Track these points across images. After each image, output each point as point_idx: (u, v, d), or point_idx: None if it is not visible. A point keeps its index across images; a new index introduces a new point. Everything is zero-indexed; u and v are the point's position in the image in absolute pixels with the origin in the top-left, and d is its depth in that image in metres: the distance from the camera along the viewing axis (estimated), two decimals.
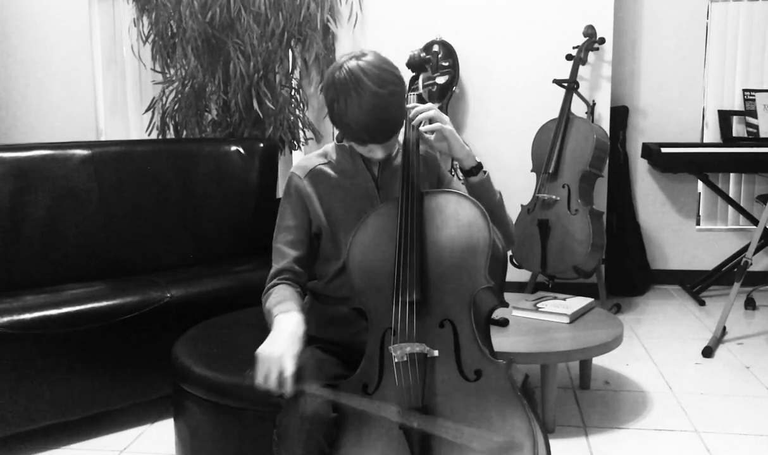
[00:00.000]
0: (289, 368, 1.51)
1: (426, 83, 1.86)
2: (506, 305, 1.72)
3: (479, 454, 1.48)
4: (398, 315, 1.58)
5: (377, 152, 1.72)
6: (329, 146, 1.87)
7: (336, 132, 1.81)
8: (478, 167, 1.77)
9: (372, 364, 1.61)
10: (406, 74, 1.85)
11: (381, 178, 1.82)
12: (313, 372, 1.68)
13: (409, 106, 1.76)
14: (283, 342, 1.56)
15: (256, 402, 1.91)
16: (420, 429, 1.49)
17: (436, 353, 1.56)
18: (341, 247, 1.78)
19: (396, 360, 1.55)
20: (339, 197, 1.80)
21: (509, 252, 3.90)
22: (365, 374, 1.61)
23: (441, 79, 1.89)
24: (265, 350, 1.54)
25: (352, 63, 1.62)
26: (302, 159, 1.88)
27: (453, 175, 1.95)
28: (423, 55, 1.89)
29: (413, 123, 1.73)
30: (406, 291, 1.58)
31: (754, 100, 4.28)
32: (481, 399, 1.52)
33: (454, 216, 1.66)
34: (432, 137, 1.72)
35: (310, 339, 1.83)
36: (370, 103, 1.59)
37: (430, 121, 1.71)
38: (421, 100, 1.81)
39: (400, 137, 1.80)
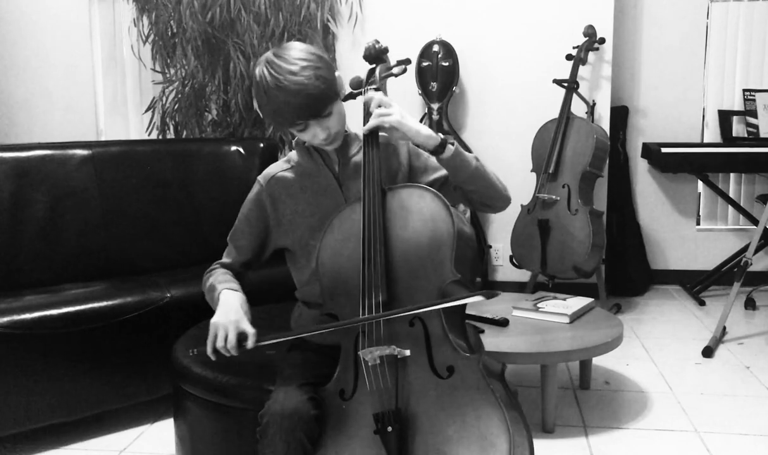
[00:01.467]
0: (242, 328, 1.63)
1: (383, 75, 1.83)
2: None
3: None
4: (365, 322, 1.57)
5: (320, 133, 1.69)
6: (293, 151, 1.88)
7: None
8: (443, 143, 1.71)
9: (347, 369, 1.60)
10: (365, 68, 1.85)
11: (342, 174, 1.81)
12: (300, 371, 1.69)
13: (364, 98, 1.75)
14: (233, 311, 1.67)
15: (256, 402, 1.90)
16: (394, 430, 1.50)
17: (407, 353, 1.54)
18: (310, 252, 1.77)
19: (369, 363, 1.54)
20: (303, 200, 1.80)
21: (510, 252, 3.91)
22: (341, 380, 1.61)
23: (397, 70, 1.85)
24: (218, 318, 1.66)
25: (269, 54, 1.67)
26: (268, 167, 1.91)
27: (429, 155, 1.84)
28: (379, 45, 1.84)
29: (362, 132, 1.72)
30: (372, 292, 1.56)
31: (754, 100, 4.28)
32: (455, 396, 1.51)
33: (417, 210, 1.63)
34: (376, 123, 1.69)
35: (302, 343, 1.84)
36: (288, 81, 1.61)
37: (378, 107, 1.69)
38: (378, 91, 1.77)
39: (358, 129, 1.78)
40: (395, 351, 1.53)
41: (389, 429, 1.49)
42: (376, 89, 1.78)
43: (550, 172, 3.78)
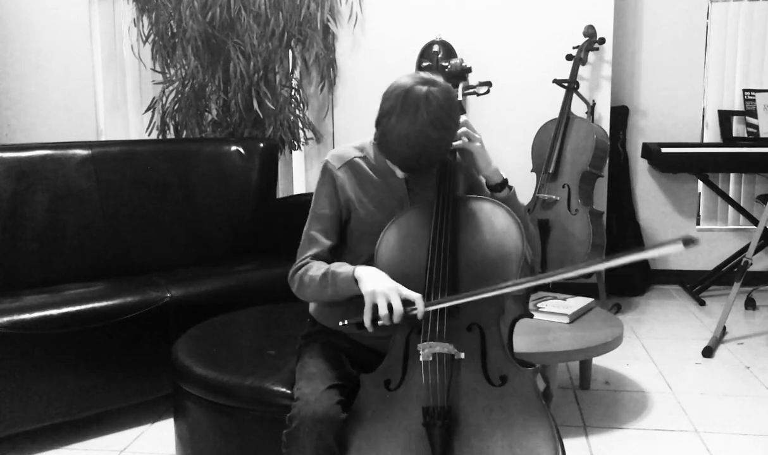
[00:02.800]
0: (404, 294, 1.56)
1: (465, 92, 1.88)
2: (531, 315, 1.72)
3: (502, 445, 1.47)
4: (428, 314, 1.58)
5: (398, 172, 1.74)
6: (367, 141, 1.86)
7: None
8: (504, 183, 1.79)
9: (396, 361, 1.61)
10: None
11: (412, 181, 1.82)
12: (324, 369, 1.67)
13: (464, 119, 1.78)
14: (387, 278, 1.60)
15: (256, 402, 1.91)
16: (442, 426, 1.48)
17: (462, 355, 1.56)
18: (363, 242, 1.77)
19: (422, 358, 1.55)
20: (371, 193, 1.81)
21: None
22: (388, 370, 1.62)
23: (482, 90, 1.89)
24: (375, 285, 1.57)
25: (423, 89, 1.60)
26: (338, 148, 1.87)
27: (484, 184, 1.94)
28: (464, 65, 1.90)
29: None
30: (438, 292, 1.59)
31: (754, 100, 4.28)
32: (505, 405, 1.53)
33: (488, 222, 1.67)
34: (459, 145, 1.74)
35: (319, 330, 1.83)
36: (418, 135, 1.58)
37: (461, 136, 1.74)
38: (459, 108, 1.81)
39: None
40: (452, 351, 1.55)
41: (438, 423, 1.49)
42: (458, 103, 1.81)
43: (550, 171, 3.78)
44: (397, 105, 1.59)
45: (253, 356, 2.14)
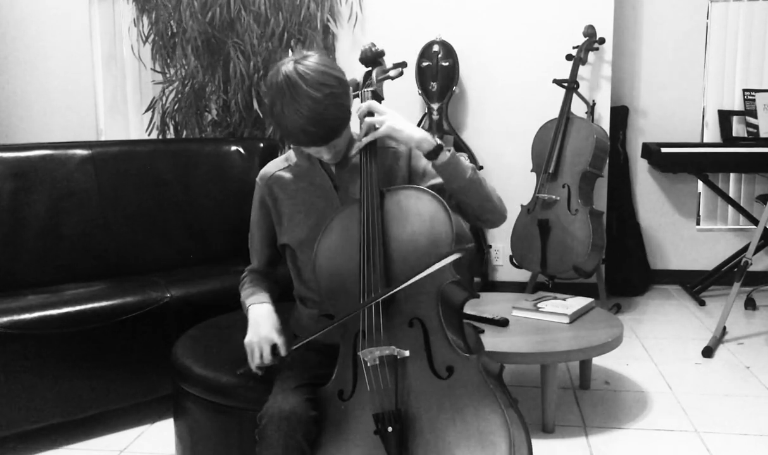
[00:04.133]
0: (272, 340, 1.74)
1: (380, 77, 1.83)
2: (477, 296, 1.73)
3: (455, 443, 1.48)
4: (365, 319, 1.57)
5: (323, 154, 1.72)
6: (290, 151, 1.89)
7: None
8: (438, 148, 1.69)
9: (346, 369, 1.61)
10: (359, 70, 1.85)
11: (338, 176, 1.81)
12: (298, 371, 1.69)
13: (357, 109, 1.73)
14: (260, 326, 1.77)
15: (256, 402, 1.90)
16: (394, 431, 1.51)
17: (407, 353, 1.55)
18: (305, 252, 1.78)
19: (368, 364, 1.54)
20: (300, 200, 1.81)
21: (509, 252, 3.91)
22: (340, 380, 1.61)
23: (393, 72, 1.84)
24: (250, 337, 1.77)
25: (290, 66, 1.60)
26: (266, 165, 1.91)
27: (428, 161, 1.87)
28: (375, 48, 1.85)
29: (357, 144, 1.72)
30: (371, 293, 1.57)
31: (754, 100, 4.28)
32: (454, 396, 1.52)
33: (415, 211, 1.63)
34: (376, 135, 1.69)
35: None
36: (307, 107, 1.57)
37: (368, 127, 1.69)
38: (375, 95, 1.78)
39: (356, 126, 1.77)
40: (395, 352, 1.54)
41: (389, 429, 1.50)
42: (373, 91, 1.78)
43: (550, 171, 3.78)
44: (276, 92, 1.60)
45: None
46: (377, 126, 1.68)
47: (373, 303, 1.56)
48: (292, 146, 1.88)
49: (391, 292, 1.55)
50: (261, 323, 1.78)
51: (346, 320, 1.59)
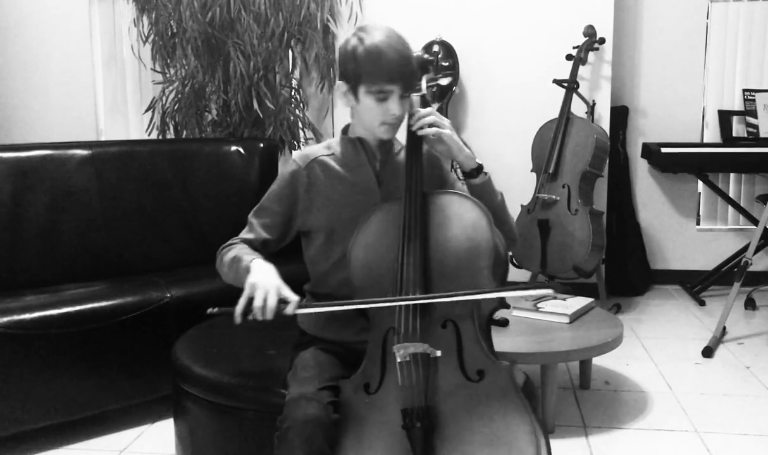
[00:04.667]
0: (283, 294, 1.57)
1: (429, 84, 1.86)
2: (508, 306, 1.71)
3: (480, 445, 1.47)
4: (401, 316, 1.58)
5: (395, 108, 1.69)
6: (333, 140, 1.88)
7: (335, 127, 1.82)
8: (479, 169, 1.78)
9: (373, 364, 1.61)
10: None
11: (382, 173, 1.82)
12: (315, 372, 1.68)
13: (413, 110, 1.76)
14: (270, 275, 1.61)
15: (256, 402, 1.91)
16: (422, 427, 1.48)
17: (438, 353, 1.55)
18: (335, 242, 1.77)
19: (399, 360, 1.54)
20: (339, 190, 1.80)
21: (510, 252, 3.91)
22: (367, 373, 1.61)
23: (444, 81, 1.90)
24: (257, 278, 1.59)
25: (373, 29, 1.70)
26: (305, 148, 1.88)
27: (455, 177, 1.95)
28: (426, 56, 1.90)
29: (413, 128, 1.74)
30: (408, 291, 1.58)
31: (754, 100, 4.28)
32: (483, 400, 1.52)
33: (458, 217, 1.66)
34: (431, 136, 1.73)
35: (310, 340, 1.83)
36: (401, 45, 1.67)
37: (430, 125, 1.72)
38: (424, 101, 1.81)
39: (402, 137, 1.79)
40: (428, 350, 1.54)
41: (417, 425, 1.49)
42: (422, 97, 1.81)
43: (550, 172, 3.78)
44: (369, 37, 1.67)
45: (253, 356, 2.14)
46: (442, 129, 1.73)
47: (409, 303, 1.57)
48: (341, 135, 1.85)
49: (429, 301, 1.56)
50: (270, 272, 1.62)
51: (369, 308, 1.59)
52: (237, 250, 1.76)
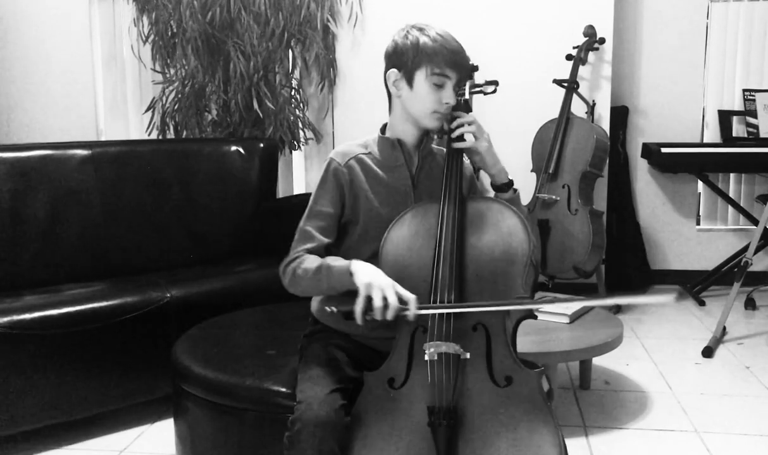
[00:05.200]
0: (400, 292, 1.54)
1: (472, 90, 1.88)
2: (535, 317, 1.71)
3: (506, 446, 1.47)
4: (434, 315, 1.58)
5: (449, 97, 1.74)
6: (371, 138, 1.87)
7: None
8: (509, 184, 1.81)
9: (400, 359, 1.61)
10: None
11: (418, 176, 1.83)
12: (327, 372, 1.66)
13: (456, 114, 1.78)
14: (382, 275, 1.58)
15: (256, 402, 1.91)
16: (447, 426, 1.48)
17: (468, 355, 1.55)
18: (367, 240, 1.77)
19: (428, 357, 1.54)
20: (376, 189, 1.80)
21: None
22: (392, 368, 1.61)
23: (489, 88, 1.93)
24: (371, 278, 1.55)
25: (425, 27, 1.82)
26: (341, 146, 1.86)
27: (485, 187, 1.96)
28: (471, 63, 1.91)
29: (453, 127, 1.76)
30: (444, 292, 1.58)
31: (754, 100, 4.28)
32: (509, 405, 1.52)
33: (495, 223, 1.67)
34: (468, 145, 1.76)
35: (322, 329, 1.82)
36: (452, 38, 1.76)
37: (469, 131, 1.76)
38: (466, 105, 1.82)
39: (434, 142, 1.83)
40: (458, 351, 1.54)
41: (443, 423, 1.49)
42: (465, 102, 1.83)
43: (550, 172, 3.78)
44: (428, 29, 1.80)
45: (253, 356, 2.14)
46: (482, 142, 1.78)
47: (444, 303, 1.57)
48: (379, 135, 1.85)
49: (467, 310, 1.57)
50: (380, 272, 1.58)
51: (419, 315, 1.57)
52: (313, 260, 1.69)
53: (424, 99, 1.74)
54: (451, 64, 1.72)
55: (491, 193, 1.85)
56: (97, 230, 3.00)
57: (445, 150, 1.81)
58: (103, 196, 3.03)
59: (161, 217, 3.16)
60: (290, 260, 1.73)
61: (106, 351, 2.55)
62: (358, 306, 1.54)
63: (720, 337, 3.47)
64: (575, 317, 2.76)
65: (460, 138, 1.76)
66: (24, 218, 2.84)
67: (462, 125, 1.76)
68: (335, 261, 1.66)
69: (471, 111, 1.83)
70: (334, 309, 1.59)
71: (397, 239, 1.69)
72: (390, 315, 1.52)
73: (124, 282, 2.80)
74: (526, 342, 2.54)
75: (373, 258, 1.70)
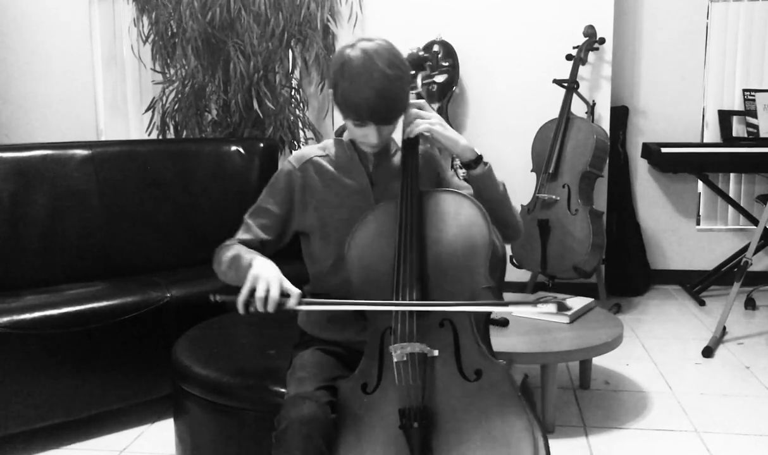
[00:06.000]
0: (285, 286, 1.56)
1: (425, 82, 1.86)
2: (506, 304, 1.71)
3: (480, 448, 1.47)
4: (398, 315, 1.58)
5: (372, 137, 1.70)
6: (329, 141, 1.88)
7: (335, 127, 1.83)
8: (478, 159, 1.76)
9: (371, 364, 1.61)
10: None
11: (375, 175, 1.82)
12: (314, 372, 1.68)
13: (414, 101, 1.76)
14: (272, 268, 1.60)
15: (256, 402, 1.91)
16: (420, 427, 1.49)
17: (436, 353, 1.55)
18: (330, 244, 1.77)
19: (396, 359, 1.54)
20: (334, 191, 1.80)
21: (510, 252, 3.91)
22: (364, 373, 1.61)
23: (440, 78, 1.88)
24: (260, 270, 1.57)
25: (365, 44, 1.65)
26: (301, 149, 1.88)
27: (454, 174, 1.95)
28: (422, 53, 1.89)
29: (404, 136, 1.73)
30: (405, 290, 1.58)
31: (754, 100, 4.28)
32: (481, 399, 1.52)
33: (454, 215, 1.65)
34: (419, 131, 1.72)
35: (310, 340, 1.83)
36: (379, 81, 1.60)
37: (419, 124, 1.72)
38: (419, 98, 1.81)
39: (397, 136, 1.80)
40: (425, 350, 1.54)
41: (415, 424, 1.49)
42: (418, 95, 1.80)
43: (550, 172, 3.78)
44: (348, 67, 1.63)
45: (253, 356, 2.14)
46: (432, 126, 1.71)
47: (406, 308, 1.57)
48: (335, 137, 1.85)
49: (426, 308, 1.56)
50: (272, 266, 1.61)
51: (371, 309, 1.59)
52: (236, 250, 1.75)
53: (351, 130, 1.74)
54: (361, 117, 1.66)
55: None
56: (97, 230, 3.00)
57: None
58: (103, 196, 3.03)
59: (161, 217, 3.16)
60: (222, 245, 1.80)
61: (106, 351, 2.55)
62: (241, 297, 1.56)
63: (720, 337, 3.47)
64: (575, 317, 2.76)
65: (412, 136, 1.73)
66: (24, 218, 2.84)
67: (411, 128, 1.72)
68: (247, 254, 1.69)
69: (423, 99, 1.81)
70: (218, 298, 1.59)
71: (361, 242, 1.68)
72: (271, 306, 1.54)
73: (124, 282, 2.81)
74: (527, 342, 2.54)
75: (340, 261, 1.72)
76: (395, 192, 1.70)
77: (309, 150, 1.86)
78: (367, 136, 1.70)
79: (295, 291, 1.57)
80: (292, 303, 1.56)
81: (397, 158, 1.81)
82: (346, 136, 1.84)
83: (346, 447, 1.55)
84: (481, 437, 1.48)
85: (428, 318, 1.58)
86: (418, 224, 1.64)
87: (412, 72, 1.85)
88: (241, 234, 1.82)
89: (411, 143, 1.74)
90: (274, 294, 1.54)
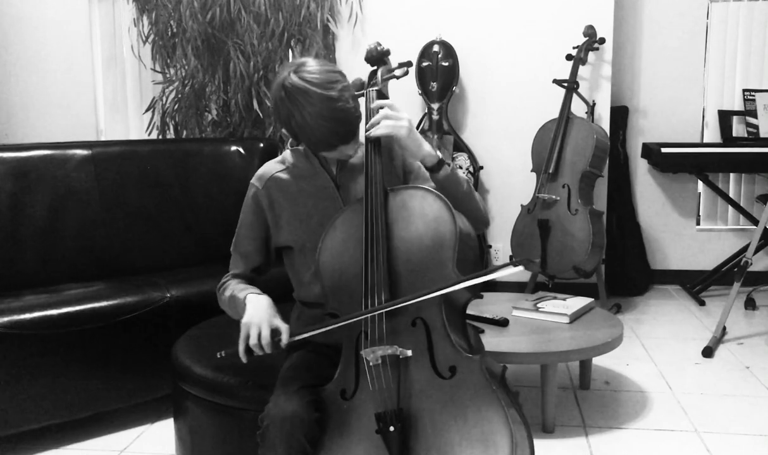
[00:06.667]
0: (275, 325, 1.63)
1: (385, 77, 1.83)
2: (480, 296, 1.68)
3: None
4: (368, 319, 1.57)
5: (347, 151, 1.72)
6: (287, 152, 1.88)
7: (290, 140, 1.81)
8: (440, 163, 1.75)
9: (348, 369, 1.61)
10: (365, 69, 1.84)
11: (339, 177, 1.82)
12: (300, 373, 1.68)
13: (372, 105, 1.74)
14: (263, 309, 1.67)
15: (256, 402, 1.90)
16: (396, 430, 1.50)
17: (409, 353, 1.54)
18: (307, 253, 1.78)
19: (371, 363, 1.54)
20: (301, 203, 1.80)
21: (510, 253, 3.91)
22: (342, 379, 1.61)
23: (399, 72, 1.84)
24: (249, 317, 1.65)
25: (293, 78, 1.62)
26: (260, 168, 1.88)
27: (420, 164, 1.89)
28: (381, 47, 1.85)
29: (366, 135, 1.72)
30: (375, 292, 1.57)
31: (754, 100, 4.28)
32: (457, 396, 1.52)
33: (420, 211, 1.64)
34: (384, 132, 1.69)
35: (303, 342, 1.84)
36: (327, 108, 1.60)
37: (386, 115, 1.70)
38: (381, 94, 1.79)
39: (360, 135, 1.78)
40: (397, 351, 1.54)
41: (391, 428, 1.50)
42: (378, 91, 1.78)
43: (550, 172, 3.78)
44: (289, 105, 1.62)
45: (253, 356, 2.13)
46: (399, 131, 1.69)
47: (376, 305, 1.56)
48: (290, 148, 1.87)
49: (398, 306, 1.55)
50: (263, 307, 1.68)
51: (352, 322, 1.58)
52: (231, 288, 1.81)
53: (325, 154, 1.77)
54: (341, 140, 1.66)
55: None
56: (97, 230, 3.00)
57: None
58: (103, 196, 3.03)
59: (161, 217, 3.16)
60: (220, 285, 1.87)
61: (106, 351, 2.56)
62: (240, 347, 1.63)
63: (720, 337, 3.47)
64: (575, 317, 2.76)
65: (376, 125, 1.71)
66: (24, 218, 2.84)
67: (380, 117, 1.69)
68: (241, 293, 1.76)
69: (386, 98, 1.78)
70: (223, 354, 1.68)
71: (330, 247, 1.67)
72: (267, 349, 1.62)
73: (124, 282, 2.81)
74: (526, 342, 2.54)
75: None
76: (362, 190, 1.68)
77: (269, 167, 1.87)
78: (343, 152, 1.72)
79: (284, 326, 1.64)
80: (284, 339, 1.62)
81: (360, 153, 1.78)
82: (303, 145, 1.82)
83: (330, 447, 1.55)
84: (458, 434, 1.49)
85: (400, 318, 1.57)
86: (385, 223, 1.62)
87: (374, 67, 1.84)
88: (233, 268, 1.89)
89: (375, 141, 1.72)
90: (266, 336, 1.61)
